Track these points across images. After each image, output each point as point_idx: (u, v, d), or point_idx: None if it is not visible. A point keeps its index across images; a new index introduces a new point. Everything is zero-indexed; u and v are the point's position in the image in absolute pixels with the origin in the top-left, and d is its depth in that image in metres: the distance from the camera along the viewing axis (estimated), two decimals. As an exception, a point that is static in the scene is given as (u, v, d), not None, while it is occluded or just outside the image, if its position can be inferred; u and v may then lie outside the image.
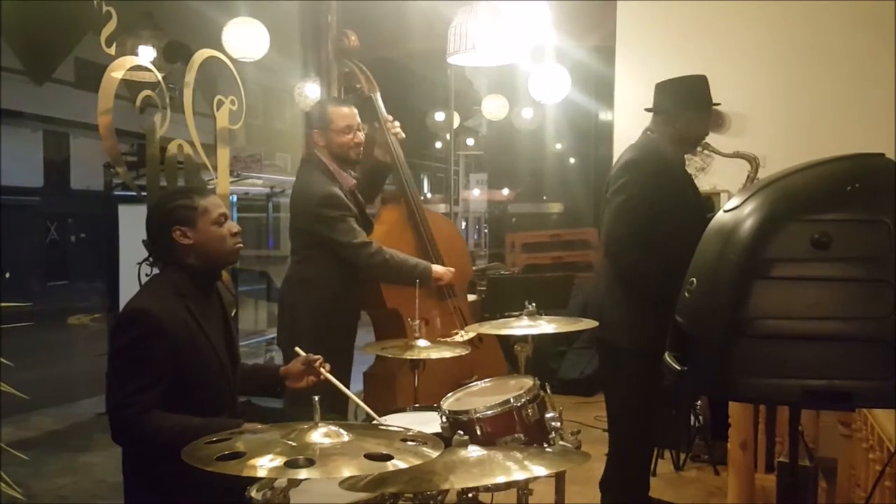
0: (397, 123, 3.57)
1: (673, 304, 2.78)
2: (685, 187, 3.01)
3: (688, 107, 2.94)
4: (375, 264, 3.20)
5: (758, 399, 2.13)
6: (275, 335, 4.26)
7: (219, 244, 2.27)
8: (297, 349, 2.49)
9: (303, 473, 1.36)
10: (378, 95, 3.57)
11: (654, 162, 2.90)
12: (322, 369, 2.41)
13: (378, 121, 3.54)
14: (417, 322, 2.76)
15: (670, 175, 2.94)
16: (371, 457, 1.42)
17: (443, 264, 3.49)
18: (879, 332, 1.20)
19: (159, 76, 3.14)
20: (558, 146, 13.22)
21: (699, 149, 3.12)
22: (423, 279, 3.22)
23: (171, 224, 2.22)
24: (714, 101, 2.99)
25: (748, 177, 3.14)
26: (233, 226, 2.32)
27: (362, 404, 2.37)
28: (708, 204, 3.26)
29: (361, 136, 3.29)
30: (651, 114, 3.03)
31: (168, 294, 2.19)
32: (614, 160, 3.27)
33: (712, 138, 3.19)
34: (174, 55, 4.27)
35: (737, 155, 3.16)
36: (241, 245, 2.36)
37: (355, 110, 3.32)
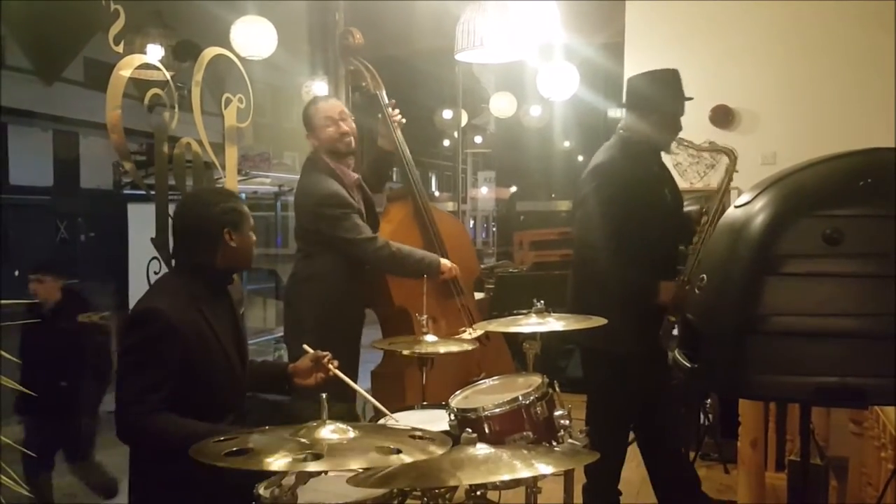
0: (396, 111, 3.55)
1: (648, 307, 2.71)
2: (660, 187, 2.91)
3: (662, 101, 2.84)
4: (383, 258, 3.20)
5: (770, 397, 2.12)
6: (283, 333, 4.26)
7: (251, 250, 2.32)
8: (305, 346, 2.48)
9: (312, 466, 1.36)
10: (383, 93, 3.57)
11: (626, 163, 2.82)
12: (330, 365, 2.41)
13: (382, 113, 3.53)
14: (426, 317, 2.76)
15: (644, 175, 2.84)
16: (380, 451, 1.42)
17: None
18: (892, 328, 1.18)
19: (167, 74, 3.15)
20: (566, 143, 13.22)
21: (674, 144, 2.98)
22: (431, 272, 3.22)
23: (222, 226, 2.22)
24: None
25: (727, 170, 3.04)
26: (253, 234, 2.36)
27: (372, 399, 2.37)
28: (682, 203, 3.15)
29: (345, 126, 3.24)
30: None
31: (180, 295, 2.18)
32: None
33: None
34: (184, 54, 4.28)
35: (713, 148, 3.07)
36: (255, 253, 2.40)
37: (335, 101, 3.33)
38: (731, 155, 3.00)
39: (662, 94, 2.84)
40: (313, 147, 3.29)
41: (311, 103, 3.36)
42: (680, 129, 2.93)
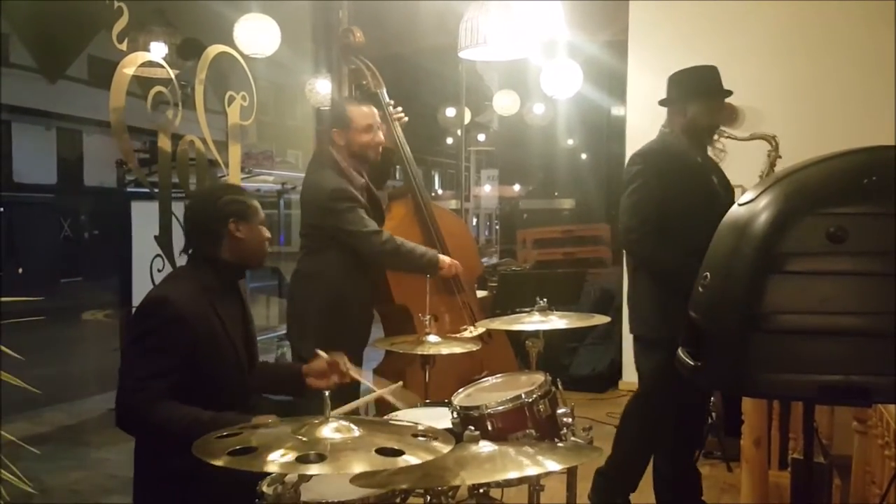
0: (399, 109, 3.57)
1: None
2: (706, 176, 2.96)
3: (697, 95, 2.91)
4: (387, 252, 3.20)
5: (773, 395, 2.11)
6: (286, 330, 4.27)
7: (261, 245, 2.32)
8: (319, 351, 2.47)
9: (314, 469, 1.35)
10: (384, 91, 3.57)
11: (666, 152, 2.91)
12: (350, 371, 2.39)
13: (383, 111, 3.54)
14: (428, 317, 2.76)
15: (685, 165, 2.91)
16: (382, 452, 1.42)
17: (450, 259, 3.49)
18: (896, 326, 1.18)
19: (171, 72, 3.15)
20: (570, 142, 13.19)
21: (716, 136, 3.06)
22: (431, 268, 3.23)
23: (227, 216, 2.23)
24: (727, 94, 2.96)
25: (769, 154, 3.08)
26: (266, 230, 2.35)
27: (392, 399, 2.36)
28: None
29: (381, 135, 3.28)
30: (665, 109, 3.01)
31: (193, 287, 2.18)
32: (627, 156, 3.25)
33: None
34: (188, 51, 4.28)
35: (754, 136, 3.13)
36: (268, 250, 2.39)
37: (374, 109, 3.31)
38: (773, 141, 3.05)
39: (696, 90, 2.91)
40: (333, 144, 3.27)
41: (349, 103, 3.35)
42: (718, 122, 3.01)
